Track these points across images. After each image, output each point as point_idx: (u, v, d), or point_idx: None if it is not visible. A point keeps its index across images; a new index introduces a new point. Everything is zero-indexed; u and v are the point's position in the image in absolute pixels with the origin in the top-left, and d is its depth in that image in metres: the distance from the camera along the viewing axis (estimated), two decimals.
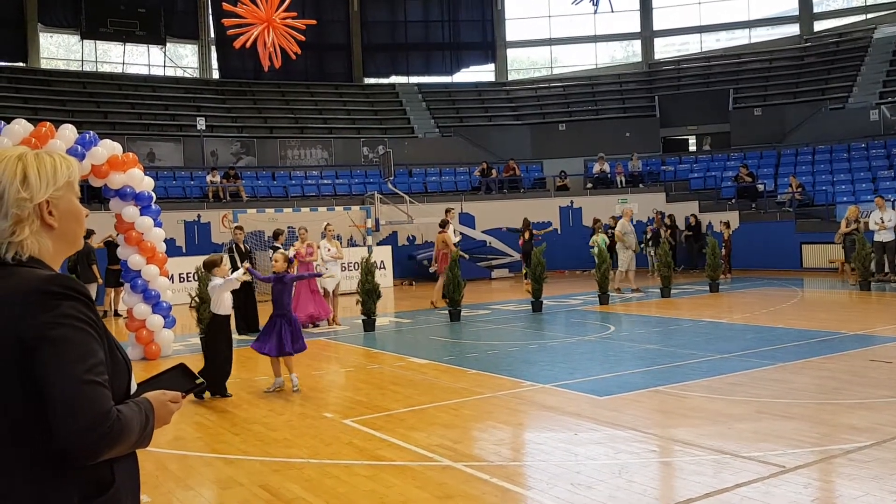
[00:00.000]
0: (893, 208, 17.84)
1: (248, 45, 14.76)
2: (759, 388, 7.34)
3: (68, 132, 10.09)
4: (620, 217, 18.50)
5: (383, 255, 21.44)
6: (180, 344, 11.92)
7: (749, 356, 8.94)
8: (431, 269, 17.51)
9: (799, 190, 22.06)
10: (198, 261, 13.12)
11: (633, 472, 5.09)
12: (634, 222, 18.93)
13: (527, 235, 20.20)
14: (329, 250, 13.66)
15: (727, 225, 20.77)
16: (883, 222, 16.37)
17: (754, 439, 5.68)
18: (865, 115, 25.33)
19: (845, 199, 21.21)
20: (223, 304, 8.05)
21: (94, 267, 15.70)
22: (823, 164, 24.38)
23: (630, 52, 36.23)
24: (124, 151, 10.83)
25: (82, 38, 30.05)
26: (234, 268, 13.05)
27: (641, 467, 5.22)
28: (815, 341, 9.83)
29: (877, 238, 16.25)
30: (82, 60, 30.77)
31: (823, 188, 22.50)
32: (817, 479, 4.90)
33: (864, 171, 23.05)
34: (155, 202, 11.14)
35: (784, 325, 11.32)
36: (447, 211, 17.58)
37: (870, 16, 31.25)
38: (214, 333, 8.06)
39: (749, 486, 4.71)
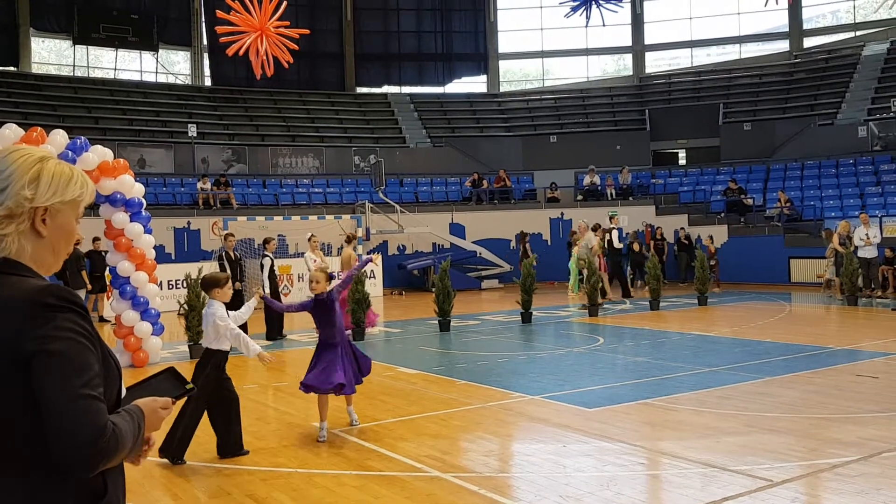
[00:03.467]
0: (880, 225, 18.02)
1: (240, 52, 14.76)
2: (747, 401, 7.37)
3: (59, 137, 10.07)
4: (611, 228, 18.69)
5: (373, 264, 21.41)
6: (168, 351, 11.86)
7: (737, 370, 8.98)
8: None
9: (787, 205, 22.21)
10: (187, 268, 13.08)
11: (621, 484, 5.10)
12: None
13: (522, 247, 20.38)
14: (315, 261, 13.72)
15: (711, 239, 21.07)
16: (868, 238, 16.49)
17: (742, 453, 5.71)
18: (854, 131, 25.57)
19: (833, 214, 21.37)
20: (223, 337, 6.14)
21: (84, 273, 15.64)
22: (812, 179, 24.58)
23: (621, 66, 36.46)
24: (115, 157, 10.81)
25: (74, 43, 29.99)
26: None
27: (629, 480, 5.23)
28: (802, 356, 9.88)
29: (861, 254, 16.36)
30: (74, 66, 30.69)
31: (812, 203, 22.66)
32: (804, 494, 4.92)
33: (852, 186, 23.24)
34: (145, 209, 11.10)
35: (772, 339, 11.38)
36: (611, 217, 19.30)
37: (859, 33, 31.58)
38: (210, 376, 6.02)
39: (736, 499, 4.73)
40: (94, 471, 1.66)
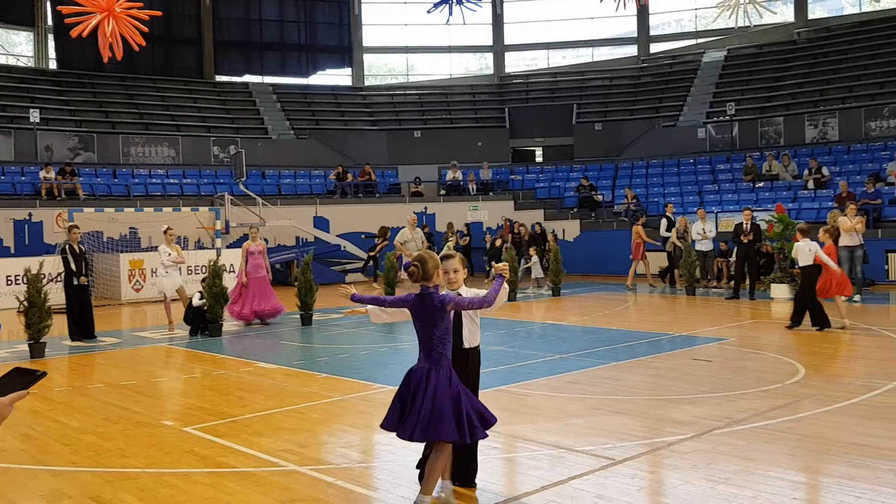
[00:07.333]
0: (716, 220, 19.43)
1: (85, 34, 13.90)
2: (593, 385, 7.78)
3: None
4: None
5: (233, 258, 20.81)
6: (6, 351, 11.07)
7: (586, 356, 9.45)
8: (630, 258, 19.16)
9: (634, 201, 23.52)
10: (28, 262, 12.12)
11: None
12: (483, 228, 19.52)
13: (380, 242, 20.34)
14: (169, 254, 13.26)
15: (539, 228, 22.17)
16: (704, 233, 17.76)
17: (588, 434, 6.03)
18: (694, 133, 27.46)
19: (675, 210, 22.81)
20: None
21: None
22: (656, 177, 26.17)
23: (483, 65, 37.28)
24: None
25: None
26: (68, 271, 12.27)
27: (484, 464, 5.39)
28: (644, 342, 10.53)
29: (698, 247, 17.61)
30: None
31: (656, 200, 24.11)
32: (643, 471, 5.26)
33: (691, 184, 24.92)
34: None
35: (618, 327, 12.05)
36: (666, 205, 20.48)
37: (699, 41, 33.87)
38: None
39: (581, 478, 5.00)
40: None
